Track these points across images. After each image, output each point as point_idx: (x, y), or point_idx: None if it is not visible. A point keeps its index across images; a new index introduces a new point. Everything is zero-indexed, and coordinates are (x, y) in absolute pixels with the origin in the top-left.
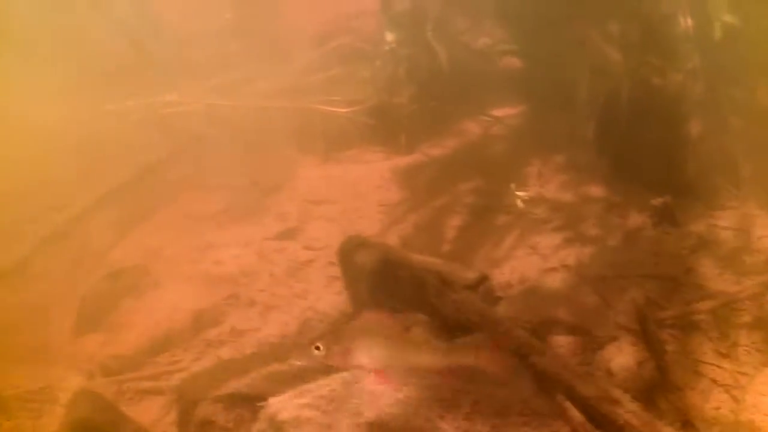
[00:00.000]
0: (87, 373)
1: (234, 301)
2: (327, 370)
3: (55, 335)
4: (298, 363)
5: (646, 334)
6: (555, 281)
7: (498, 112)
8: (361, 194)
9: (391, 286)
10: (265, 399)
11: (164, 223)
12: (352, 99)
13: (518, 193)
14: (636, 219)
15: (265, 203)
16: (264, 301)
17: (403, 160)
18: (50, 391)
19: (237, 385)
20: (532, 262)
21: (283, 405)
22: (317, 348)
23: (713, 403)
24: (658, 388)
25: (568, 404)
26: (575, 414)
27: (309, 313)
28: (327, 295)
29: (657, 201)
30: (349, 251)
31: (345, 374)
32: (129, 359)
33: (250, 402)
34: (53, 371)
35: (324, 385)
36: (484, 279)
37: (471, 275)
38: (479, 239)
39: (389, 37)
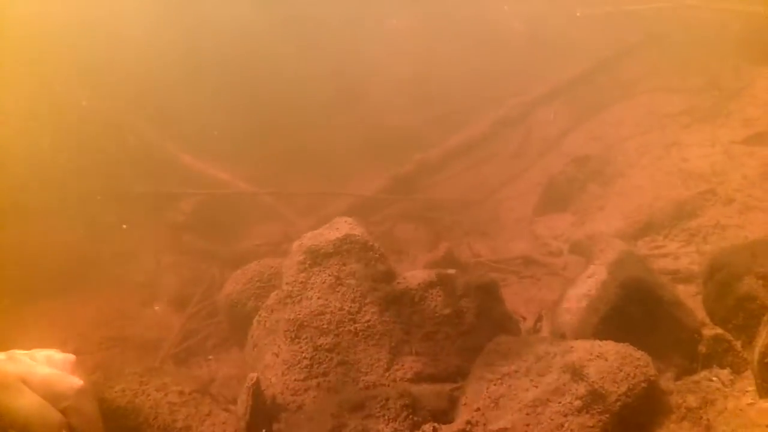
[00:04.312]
0: (554, 248)
1: (711, 196)
2: None
3: (515, 213)
4: None
5: None
6: None
7: None
8: None
9: None
10: None
11: (622, 118)
12: None
13: None
14: None
15: (728, 107)
16: (743, 201)
17: None
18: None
19: None
20: None
21: None
22: None
23: None
24: None
25: None
26: None
27: None
28: None
29: None
30: None
31: None
32: None
33: None
34: (514, 245)
35: None
36: None
37: None
38: None
39: None
